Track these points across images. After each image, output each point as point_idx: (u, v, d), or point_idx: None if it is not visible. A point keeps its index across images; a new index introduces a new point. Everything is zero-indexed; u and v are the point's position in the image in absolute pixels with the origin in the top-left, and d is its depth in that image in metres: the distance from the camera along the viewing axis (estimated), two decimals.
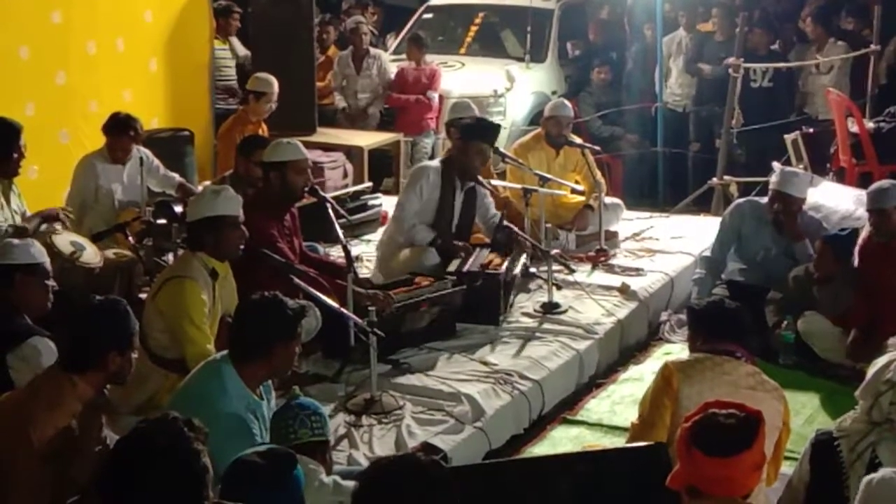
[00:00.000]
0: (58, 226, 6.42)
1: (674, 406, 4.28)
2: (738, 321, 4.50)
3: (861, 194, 7.19)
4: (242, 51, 10.69)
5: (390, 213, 7.41)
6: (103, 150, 7.17)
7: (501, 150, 8.06)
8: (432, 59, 11.02)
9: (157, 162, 7.51)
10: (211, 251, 5.20)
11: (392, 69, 10.90)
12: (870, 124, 9.53)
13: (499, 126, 7.65)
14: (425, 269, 6.63)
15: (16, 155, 6.39)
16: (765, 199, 7.01)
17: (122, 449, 2.96)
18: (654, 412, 4.36)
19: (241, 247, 5.29)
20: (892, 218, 6.33)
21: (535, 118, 10.35)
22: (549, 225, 7.44)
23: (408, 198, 6.97)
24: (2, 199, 6.37)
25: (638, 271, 7.45)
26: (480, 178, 7.03)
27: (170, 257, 6.63)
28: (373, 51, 11.03)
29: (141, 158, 7.22)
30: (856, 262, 6.62)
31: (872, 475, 3.13)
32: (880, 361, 3.65)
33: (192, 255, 5.21)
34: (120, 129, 7.12)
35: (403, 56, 11.09)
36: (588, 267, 7.53)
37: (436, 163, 7.23)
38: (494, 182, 7.62)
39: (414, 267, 6.66)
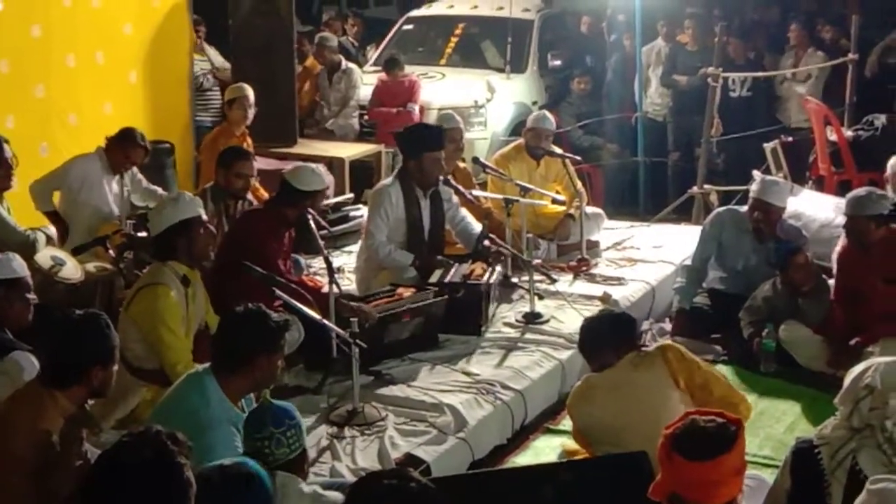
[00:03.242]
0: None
1: (579, 435, 4.96)
2: (602, 334, 4.92)
3: (840, 202, 7.24)
4: (219, 61, 10.71)
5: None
6: (102, 156, 7.16)
7: (482, 160, 8.07)
8: (413, 70, 11.05)
9: (139, 175, 7.50)
10: (183, 257, 5.20)
11: (365, 82, 10.97)
12: (848, 133, 9.60)
13: (439, 127, 7.46)
14: (406, 280, 6.62)
15: (2, 169, 6.39)
16: (745, 208, 7.03)
17: (105, 463, 2.94)
18: (574, 436, 5.09)
19: (212, 248, 5.31)
20: (868, 226, 6.36)
21: (516, 128, 10.40)
22: (530, 235, 7.45)
23: (375, 225, 6.81)
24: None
25: (619, 280, 7.46)
26: (441, 178, 6.96)
27: None
28: (345, 65, 11.09)
29: (122, 172, 7.24)
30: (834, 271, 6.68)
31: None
32: (857, 368, 3.67)
33: (163, 264, 5.21)
34: (134, 141, 7.19)
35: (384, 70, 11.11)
36: (569, 276, 7.54)
37: (391, 181, 6.98)
38: (476, 192, 7.62)
39: (394, 279, 6.65)
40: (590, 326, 5.02)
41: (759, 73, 10.56)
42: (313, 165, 6.53)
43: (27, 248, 6.10)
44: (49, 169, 7.33)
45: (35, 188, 7.10)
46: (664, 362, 4.71)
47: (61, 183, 7.10)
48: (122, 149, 7.16)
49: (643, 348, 4.99)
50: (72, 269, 6.33)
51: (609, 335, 4.88)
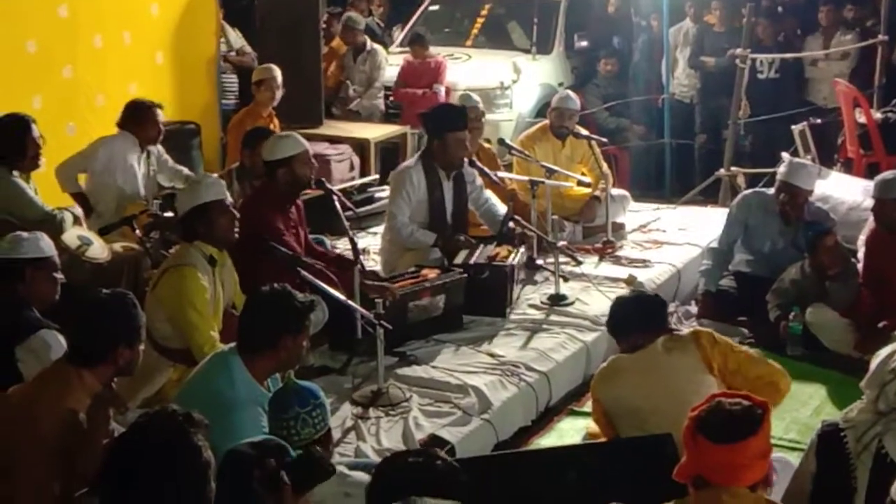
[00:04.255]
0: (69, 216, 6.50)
1: (603, 416, 4.84)
2: (632, 315, 4.87)
3: (868, 185, 7.19)
4: (238, 43, 10.69)
5: None
6: (127, 135, 7.14)
7: (508, 141, 8.05)
8: (438, 52, 11.03)
9: (166, 155, 7.52)
10: (206, 239, 5.22)
11: (391, 63, 10.95)
12: (877, 115, 9.53)
13: (463, 107, 7.43)
14: (431, 262, 6.63)
15: (30, 149, 6.41)
16: (772, 191, 6.99)
17: (121, 444, 2.95)
18: (597, 417, 4.93)
19: (235, 230, 5.31)
20: None
21: (542, 110, 10.36)
22: (555, 217, 7.43)
23: (397, 206, 6.82)
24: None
25: (645, 263, 7.45)
26: (465, 160, 6.96)
27: None
28: (369, 45, 11.08)
29: (149, 151, 7.26)
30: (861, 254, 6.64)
31: None
32: (884, 352, 3.65)
33: (190, 245, 5.23)
34: (141, 105, 7.16)
35: (409, 49, 11.10)
36: (595, 258, 7.53)
37: (414, 161, 6.98)
38: (501, 174, 7.61)
39: (419, 261, 6.65)
40: (621, 307, 4.99)
41: (788, 55, 10.49)
42: (284, 133, 6.45)
43: (54, 228, 6.13)
44: (76, 149, 7.36)
45: (60, 170, 7.12)
46: (697, 348, 4.68)
47: (87, 164, 7.12)
48: (135, 120, 7.12)
49: (674, 331, 4.96)
50: (98, 249, 6.36)
51: (640, 317, 4.84)
